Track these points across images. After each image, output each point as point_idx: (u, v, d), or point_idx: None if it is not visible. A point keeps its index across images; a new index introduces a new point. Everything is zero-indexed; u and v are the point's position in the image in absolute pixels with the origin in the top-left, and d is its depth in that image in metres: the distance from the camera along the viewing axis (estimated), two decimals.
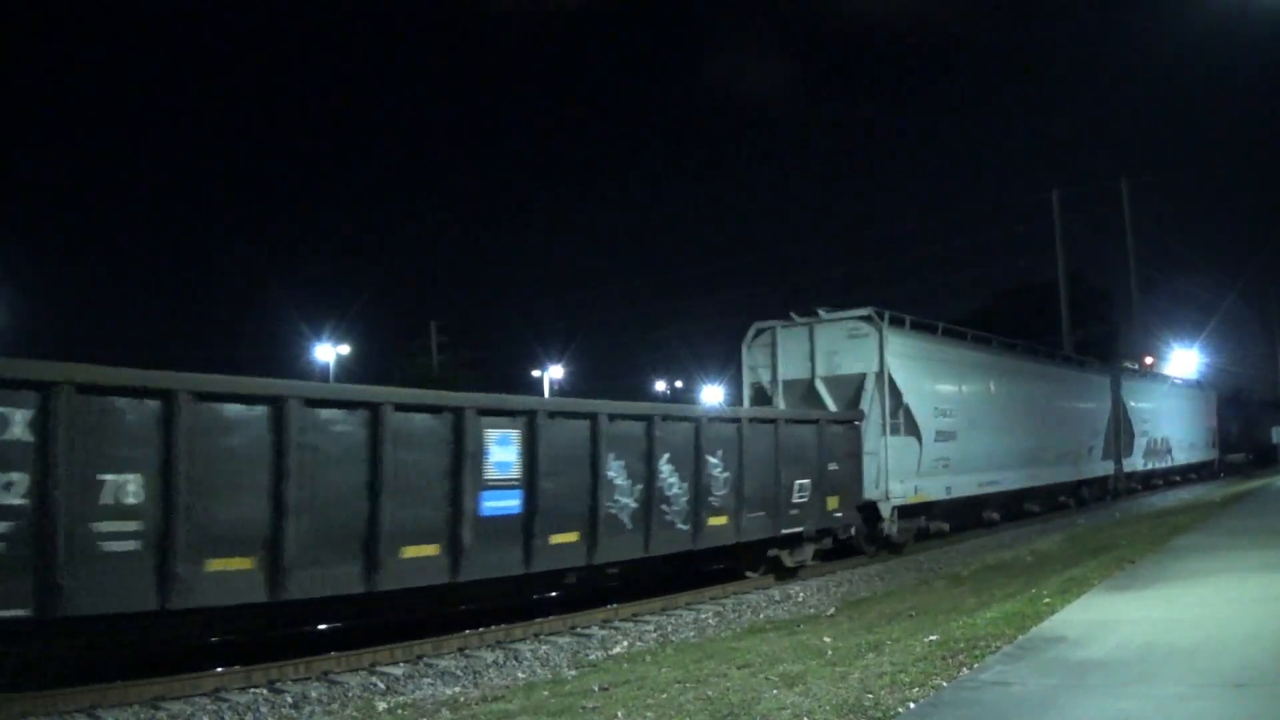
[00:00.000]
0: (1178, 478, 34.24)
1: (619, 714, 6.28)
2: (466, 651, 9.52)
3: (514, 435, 9.93)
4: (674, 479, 11.71)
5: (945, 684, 5.94)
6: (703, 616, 11.42)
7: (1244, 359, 53.73)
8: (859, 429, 15.71)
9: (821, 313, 16.93)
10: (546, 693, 7.50)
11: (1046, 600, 8.85)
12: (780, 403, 16.76)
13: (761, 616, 11.51)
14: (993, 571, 13.53)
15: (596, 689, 7.28)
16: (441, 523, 9.25)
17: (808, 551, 14.47)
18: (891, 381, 16.37)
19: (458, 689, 8.25)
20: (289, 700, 7.78)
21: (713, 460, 12.36)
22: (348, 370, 42.46)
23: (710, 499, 12.27)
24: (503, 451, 9.83)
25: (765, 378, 17.28)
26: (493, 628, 10.15)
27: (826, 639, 8.48)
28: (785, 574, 14.32)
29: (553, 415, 10.41)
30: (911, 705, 5.51)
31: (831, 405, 16.33)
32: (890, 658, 6.98)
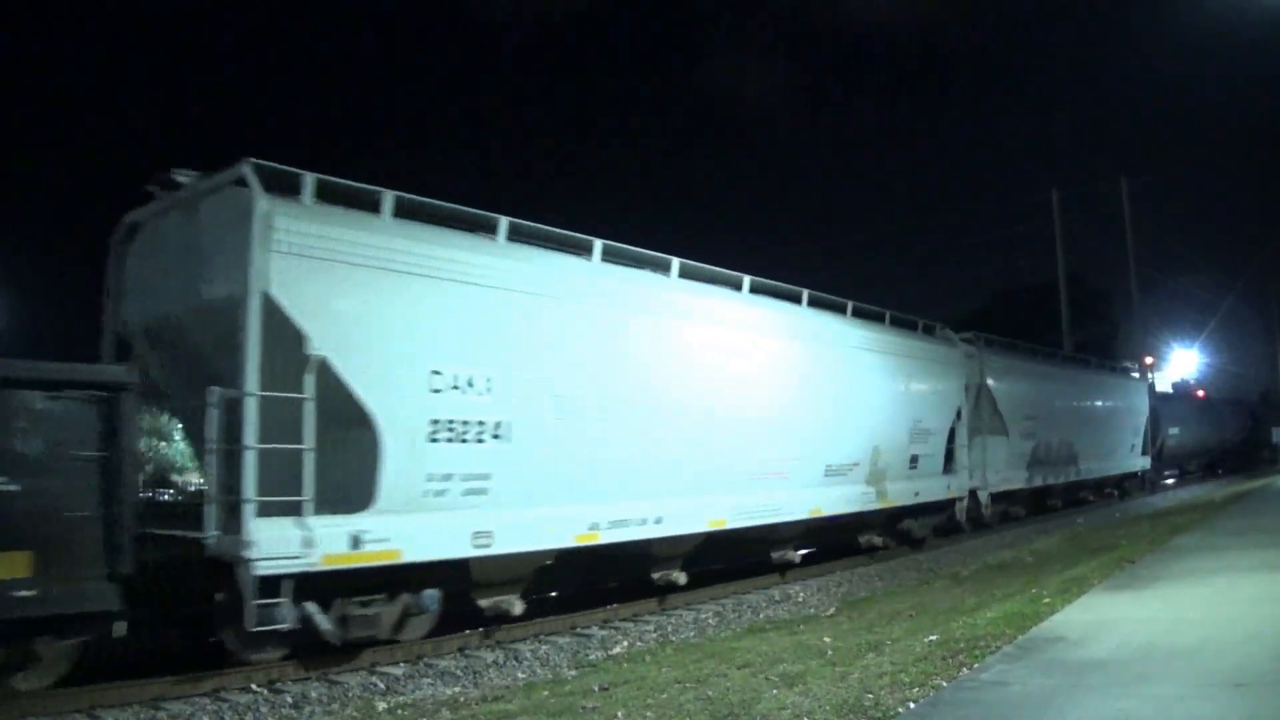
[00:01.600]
0: (1089, 496, 25.52)
1: (619, 714, 6.29)
2: (466, 651, 9.52)
3: None
4: None
5: (945, 684, 5.95)
6: (703, 616, 11.41)
7: (1244, 359, 53.94)
8: (121, 406, 7.39)
9: (183, 177, 8.91)
10: (546, 693, 7.51)
11: (1046, 600, 8.87)
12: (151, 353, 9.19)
13: (761, 616, 11.50)
14: (993, 571, 13.55)
15: (596, 689, 7.29)
16: None
17: None
18: (279, 314, 7.72)
19: (458, 689, 8.26)
20: (289, 700, 7.78)
21: None
22: None
23: None
24: None
25: (135, 313, 9.30)
26: (493, 628, 10.14)
27: (826, 639, 8.49)
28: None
29: None
30: (911, 705, 5.52)
31: (210, 357, 8.23)
32: (890, 658, 7.00)
